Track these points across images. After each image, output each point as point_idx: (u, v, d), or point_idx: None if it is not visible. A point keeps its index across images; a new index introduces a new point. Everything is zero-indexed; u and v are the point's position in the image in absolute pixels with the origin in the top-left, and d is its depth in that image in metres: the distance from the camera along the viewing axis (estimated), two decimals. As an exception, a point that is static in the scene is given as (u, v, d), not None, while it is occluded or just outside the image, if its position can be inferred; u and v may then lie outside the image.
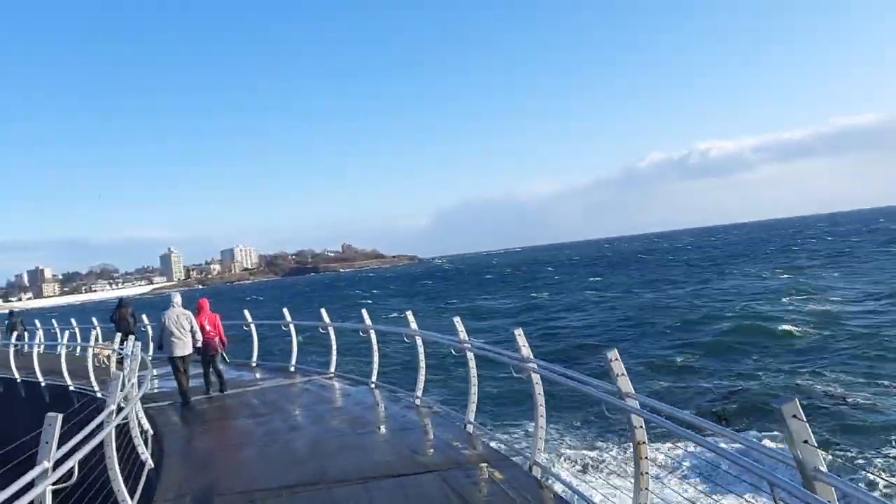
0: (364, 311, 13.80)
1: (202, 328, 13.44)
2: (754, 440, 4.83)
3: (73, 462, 5.20)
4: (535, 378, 7.63)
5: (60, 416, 5.01)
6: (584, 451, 16.23)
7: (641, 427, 5.71)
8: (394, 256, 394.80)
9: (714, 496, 10.72)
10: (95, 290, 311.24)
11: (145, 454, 9.14)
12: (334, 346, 15.35)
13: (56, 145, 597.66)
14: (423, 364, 11.66)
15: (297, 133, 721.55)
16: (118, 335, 16.37)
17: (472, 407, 9.60)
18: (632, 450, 5.91)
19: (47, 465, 4.83)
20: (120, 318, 19.92)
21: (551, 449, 15.29)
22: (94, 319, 24.41)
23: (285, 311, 17.25)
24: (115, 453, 7.08)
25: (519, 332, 7.77)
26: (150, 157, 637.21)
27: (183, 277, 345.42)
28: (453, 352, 10.11)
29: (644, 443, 5.73)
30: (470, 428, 9.44)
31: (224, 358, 14.26)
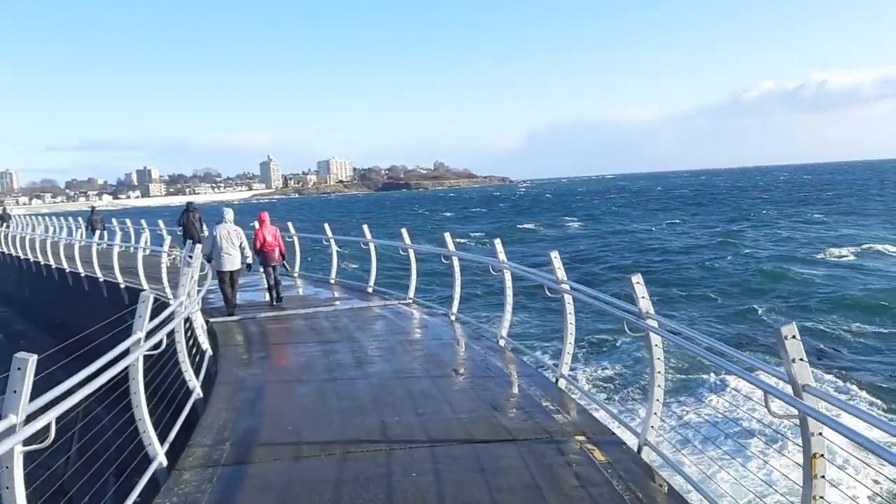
0: (447, 236, 12.33)
1: (263, 240, 13.73)
2: (756, 358, 5.22)
3: (161, 334, 6.25)
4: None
5: (152, 294, 6.14)
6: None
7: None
8: (484, 177, 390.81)
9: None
10: (199, 193, 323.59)
11: (206, 344, 10.10)
12: (414, 270, 14.08)
13: (162, 47, 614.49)
14: (509, 300, 10.25)
15: (394, 49, 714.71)
16: (188, 242, 16.02)
17: (567, 358, 8.13)
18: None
19: (140, 334, 5.82)
20: (187, 222, 19.78)
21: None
22: (160, 223, 24.21)
23: (365, 228, 16.08)
24: (183, 339, 8.25)
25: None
26: (254, 63, 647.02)
27: (281, 186, 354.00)
28: (548, 292, 8.58)
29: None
30: (562, 384, 7.98)
31: (285, 268, 14.27)
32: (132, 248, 20.11)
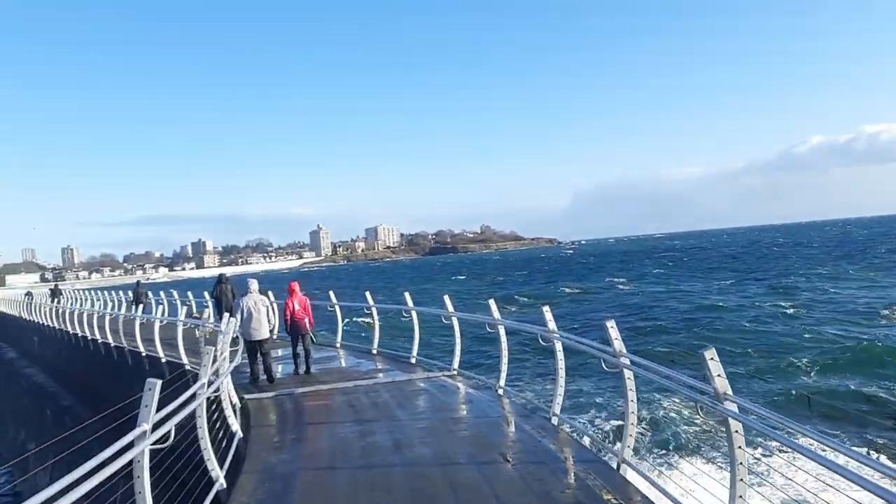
0: (492, 304, 11.55)
1: (293, 310, 13.93)
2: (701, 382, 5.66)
3: (169, 426, 5.60)
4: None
5: (159, 382, 5.35)
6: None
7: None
8: (531, 239, 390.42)
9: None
10: (250, 263, 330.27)
11: (235, 425, 9.30)
12: (458, 340, 13.30)
13: (215, 123, 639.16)
14: (562, 373, 9.35)
15: (437, 113, 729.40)
16: (224, 315, 15.52)
17: (630, 441, 7.20)
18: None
19: (146, 427, 5.20)
20: (220, 293, 19.78)
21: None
22: (189, 294, 24.05)
23: (407, 295, 15.44)
24: (206, 423, 7.50)
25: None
26: (302, 136, 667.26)
27: (330, 253, 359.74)
28: (605, 366, 7.67)
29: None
30: (625, 470, 7.03)
31: (312, 339, 14.52)
32: (153, 320, 19.89)
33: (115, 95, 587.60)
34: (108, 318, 23.39)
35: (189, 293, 25.71)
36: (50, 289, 44.57)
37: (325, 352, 17.42)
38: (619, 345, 7.27)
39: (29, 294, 45.67)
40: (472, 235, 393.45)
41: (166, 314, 19.58)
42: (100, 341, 23.43)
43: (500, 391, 11.11)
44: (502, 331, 11.45)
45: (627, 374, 7.20)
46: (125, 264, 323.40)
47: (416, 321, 15.17)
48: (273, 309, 13.80)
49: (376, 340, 16.79)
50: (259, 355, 13.16)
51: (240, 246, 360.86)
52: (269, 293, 17.67)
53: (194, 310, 22.42)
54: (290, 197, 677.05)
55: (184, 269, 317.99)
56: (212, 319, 16.77)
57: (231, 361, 10.53)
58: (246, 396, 11.66)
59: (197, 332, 16.54)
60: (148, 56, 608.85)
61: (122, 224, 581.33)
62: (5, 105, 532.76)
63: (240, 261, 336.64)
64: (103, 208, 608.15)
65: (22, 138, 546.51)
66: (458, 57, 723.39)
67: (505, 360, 11.38)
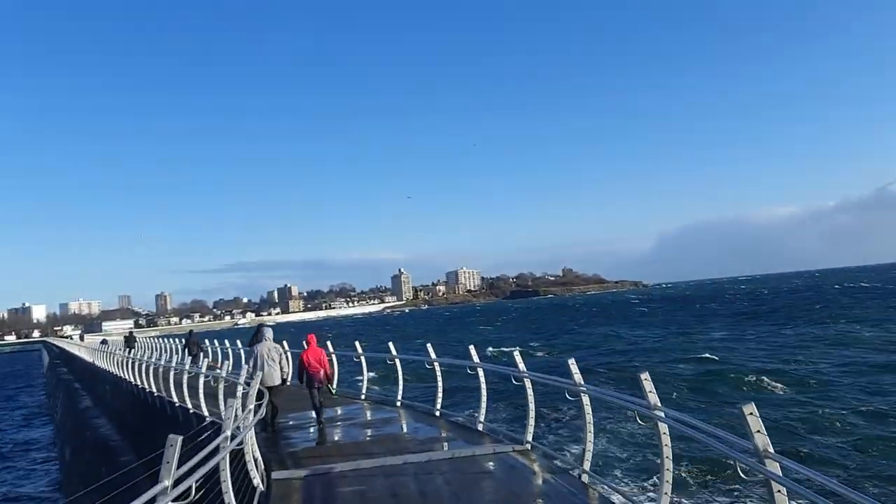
0: (572, 365, 9.15)
1: (308, 362, 14.17)
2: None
3: (191, 481, 5.48)
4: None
5: (181, 438, 5.20)
6: None
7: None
8: (615, 282, 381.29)
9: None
10: (334, 308, 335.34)
11: (257, 479, 9.12)
12: (531, 406, 10.87)
13: (304, 174, 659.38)
14: (668, 459, 6.94)
15: (516, 156, 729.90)
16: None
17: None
18: None
19: (167, 483, 5.05)
20: (189, 345, 20.28)
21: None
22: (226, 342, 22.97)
23: (472, 349, 13.19)
24: (229, 477, 7.38)
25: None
26: (383, 181, 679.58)
27: (411, 297, 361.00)
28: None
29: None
30: None
31: (329, 390, 15.25)
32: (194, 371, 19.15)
33: (206, 148, 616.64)
34: (152, 368, 22.74)
35: (226, 341, 24.82)
36: (125, 336, 44.65)
37: (385, 413, 15.40)
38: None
39: (104, 342, 45.89)
40: (553, 278, 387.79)
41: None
42: (154, 393, 22.45)
43: (584, 476, 8.70)
44: (586, 400, 9.06)
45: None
46: (214, 310, 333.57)
47: (482, 379, 12.89)
48: (287, 358, 14.24)
49: (439, 398, 14.65)
50: (270, 401, 13.15)
51: (324, 291, 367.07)
52: (284, 342, 17.48)
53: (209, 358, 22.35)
54: (372, 242, 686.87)
55: (269, 314, 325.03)
56: (204, 368, 18.03)
57: (255, 414, 10.13)
58: (274, 475, 9.67)
59: (212, 381, 16.60)
60: (231, 98, 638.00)
61: (213, 271, 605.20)
62: (108, 154, 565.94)
63: (324, 305, 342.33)
64: (195, 256, 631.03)
65: (119, 185, 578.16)
66: (541, 94, 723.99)
67: (590, 436, 8.98)
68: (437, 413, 14.53)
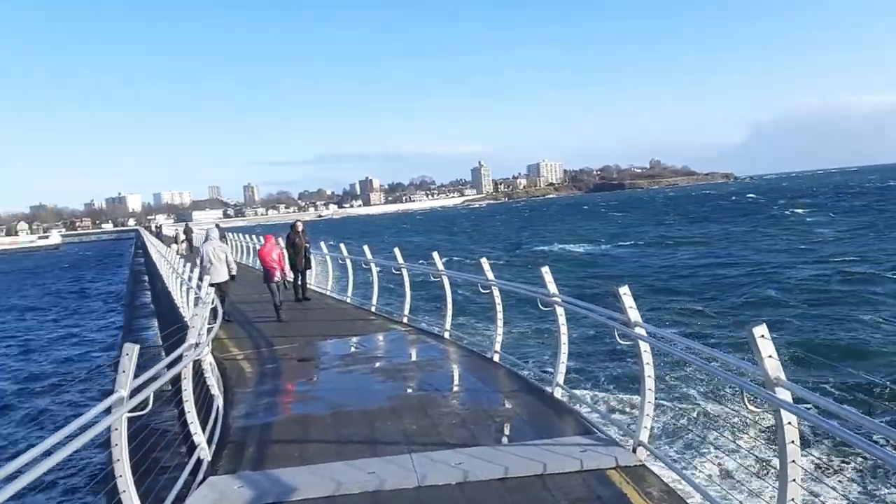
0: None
1: (263, 260, 16.01)
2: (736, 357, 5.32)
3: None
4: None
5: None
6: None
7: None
8: (706, 174, 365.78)
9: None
10: (414, 200, 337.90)
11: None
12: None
13: (386, 63, 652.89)
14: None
15: (604, 46, 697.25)
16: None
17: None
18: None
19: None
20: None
21: None
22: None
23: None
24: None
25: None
26: (465, 69, 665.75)
27: (491, 191, 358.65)
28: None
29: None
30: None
31: (284, 284, 16.58)
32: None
33: (295, 42, 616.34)
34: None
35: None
36: (183, 231, 45.01)
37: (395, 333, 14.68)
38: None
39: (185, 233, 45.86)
40: (640, 171, 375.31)
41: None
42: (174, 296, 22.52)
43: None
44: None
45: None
46: (299, 201, 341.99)
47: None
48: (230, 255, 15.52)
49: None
50: (220, 296, 14.19)
51: (404, 184, 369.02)
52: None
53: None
54: (454, 135, 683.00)
55: (351, 206, 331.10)
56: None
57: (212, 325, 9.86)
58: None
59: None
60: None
61: (299, 163, 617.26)
62: (208, 52, 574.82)
63: (403, 198, 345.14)
64: (282, 147, 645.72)
65: (211, 77, 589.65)
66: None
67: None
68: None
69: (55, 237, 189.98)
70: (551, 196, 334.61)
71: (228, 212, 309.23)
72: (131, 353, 5.01)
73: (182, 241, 41.44)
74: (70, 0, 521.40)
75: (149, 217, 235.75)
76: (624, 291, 6.56)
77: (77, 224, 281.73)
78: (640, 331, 6.43)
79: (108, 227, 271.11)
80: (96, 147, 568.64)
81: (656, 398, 6.74)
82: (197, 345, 7.60)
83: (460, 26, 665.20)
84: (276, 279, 15.64)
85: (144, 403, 5.21)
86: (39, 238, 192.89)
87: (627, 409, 13.16)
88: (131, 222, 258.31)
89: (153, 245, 39.78)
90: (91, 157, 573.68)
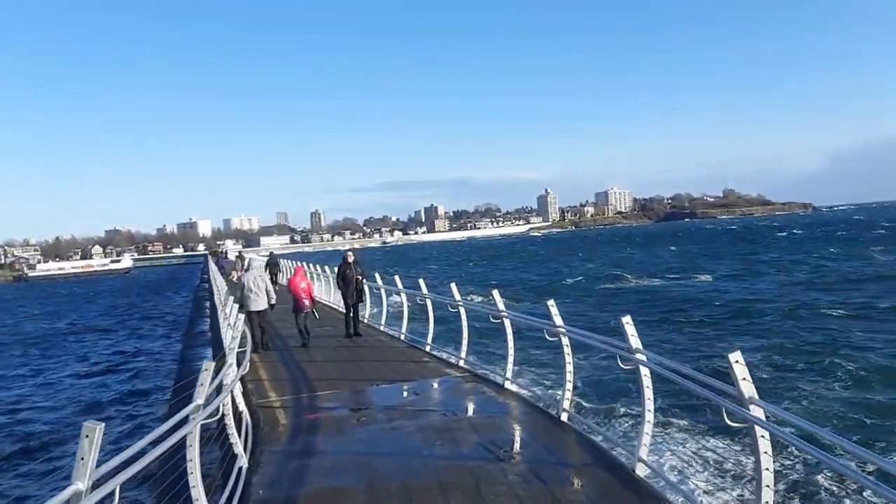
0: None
1: (296, 288, 16.11)
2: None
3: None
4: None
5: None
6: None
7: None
8: (783, 203, 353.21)
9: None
10: (479, 227, 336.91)
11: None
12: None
13: (454, 91, 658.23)
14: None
15: (674, 71, 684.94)
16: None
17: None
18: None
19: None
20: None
21: None
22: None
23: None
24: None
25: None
26: (532, 97, 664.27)
27: (558, 219, 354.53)
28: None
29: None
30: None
31: (314, 314, 16.61)
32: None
33: (364, 71, 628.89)
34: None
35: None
36: (268, 261, 43.76)
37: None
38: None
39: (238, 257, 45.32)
40: (713, 199, 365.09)
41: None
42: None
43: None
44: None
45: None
46: (364, 227, 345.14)
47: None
48: (271, 286, 15.52)
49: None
50: (255, 324, 14.87)
51: (469, 211, 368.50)
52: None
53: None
54: (520, 162, 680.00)
55: (416, 232, 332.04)
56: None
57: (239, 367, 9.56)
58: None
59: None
60: (394, 24, 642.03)
61: (365, 190, 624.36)
62: (273, 83, 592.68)
63: (468, 225, 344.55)
64: (349, 174, 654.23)
65: (283, 104, 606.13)
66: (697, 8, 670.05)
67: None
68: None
69: (127, 261, 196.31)
70: (620, 224, 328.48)
71: (295, 238, 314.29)
72: (92, 434, 4.87)
73: (241, 269, 40.84)
74: (149, 28, 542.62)
75: (218, 242, 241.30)
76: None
77: (149, 248, 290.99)
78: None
79: (179, 251, 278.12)
80: (171, 173, 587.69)
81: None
82: (205, 405, 6.56)
83: (559, 59, 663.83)
84: (305, 309, 16.02)
85: (216, 412, 6.32)
86: (112, 262, 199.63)
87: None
88: (201, 247, 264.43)
89: (212, 272, 39.49)
90: (165, 182, 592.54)
